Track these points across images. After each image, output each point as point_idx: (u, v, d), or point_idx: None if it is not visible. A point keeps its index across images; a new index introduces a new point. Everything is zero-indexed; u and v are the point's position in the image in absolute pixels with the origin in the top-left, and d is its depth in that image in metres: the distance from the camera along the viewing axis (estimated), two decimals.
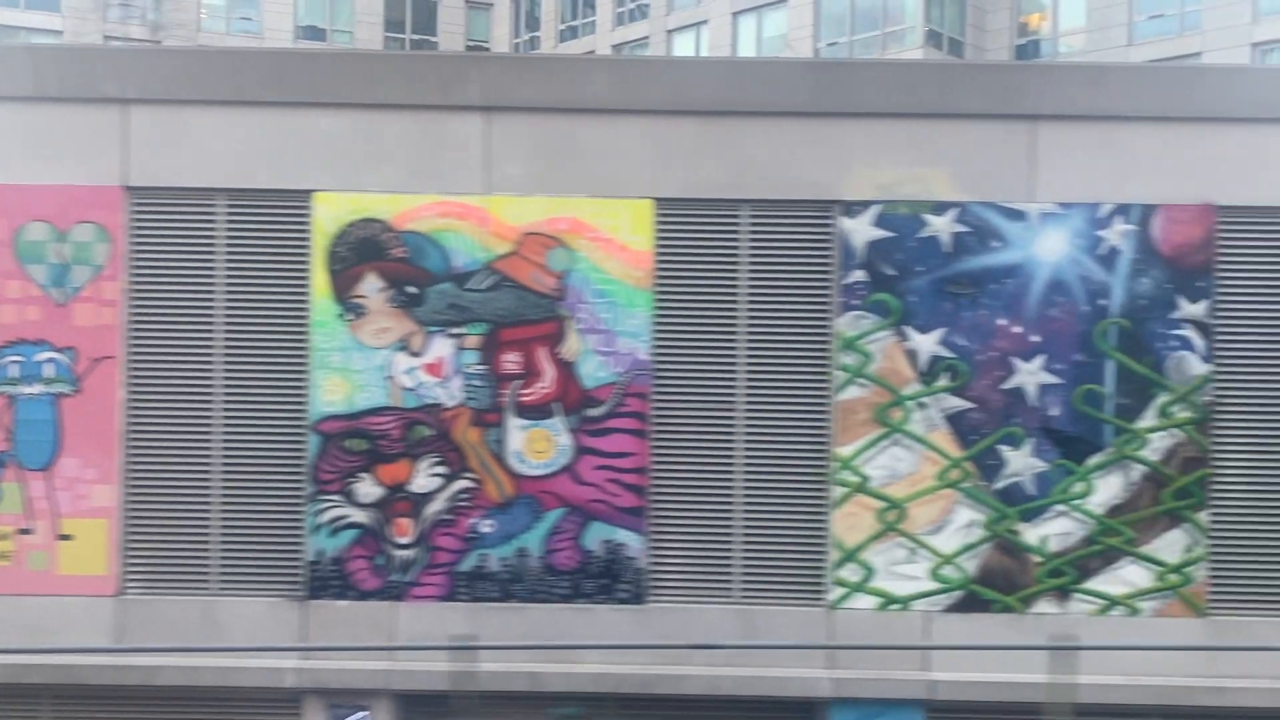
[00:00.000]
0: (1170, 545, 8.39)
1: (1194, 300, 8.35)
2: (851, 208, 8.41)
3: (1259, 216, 8.36)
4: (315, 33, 32.04)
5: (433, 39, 33.29)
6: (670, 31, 28.65)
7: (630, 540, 8.47)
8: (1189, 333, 8.35)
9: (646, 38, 29.18)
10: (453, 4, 33.73)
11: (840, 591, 8.47)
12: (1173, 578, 8.38)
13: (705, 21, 27.70)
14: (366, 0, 32.38)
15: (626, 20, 29.86)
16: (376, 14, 32.60)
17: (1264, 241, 8.38)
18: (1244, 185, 8.33)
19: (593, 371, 8.45)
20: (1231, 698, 8.26)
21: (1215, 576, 8.40)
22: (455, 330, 8.44)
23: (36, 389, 8.42)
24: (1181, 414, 8.37)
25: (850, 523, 8.46)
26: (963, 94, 8.40)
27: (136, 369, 8.48)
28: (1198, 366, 8.35)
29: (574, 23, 31.33)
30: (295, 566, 8.51)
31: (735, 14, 27.09)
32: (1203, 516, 8.37)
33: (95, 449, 8.45)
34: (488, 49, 33.25)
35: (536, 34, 32.61)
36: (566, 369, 8.45)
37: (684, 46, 28.16)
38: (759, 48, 26.70)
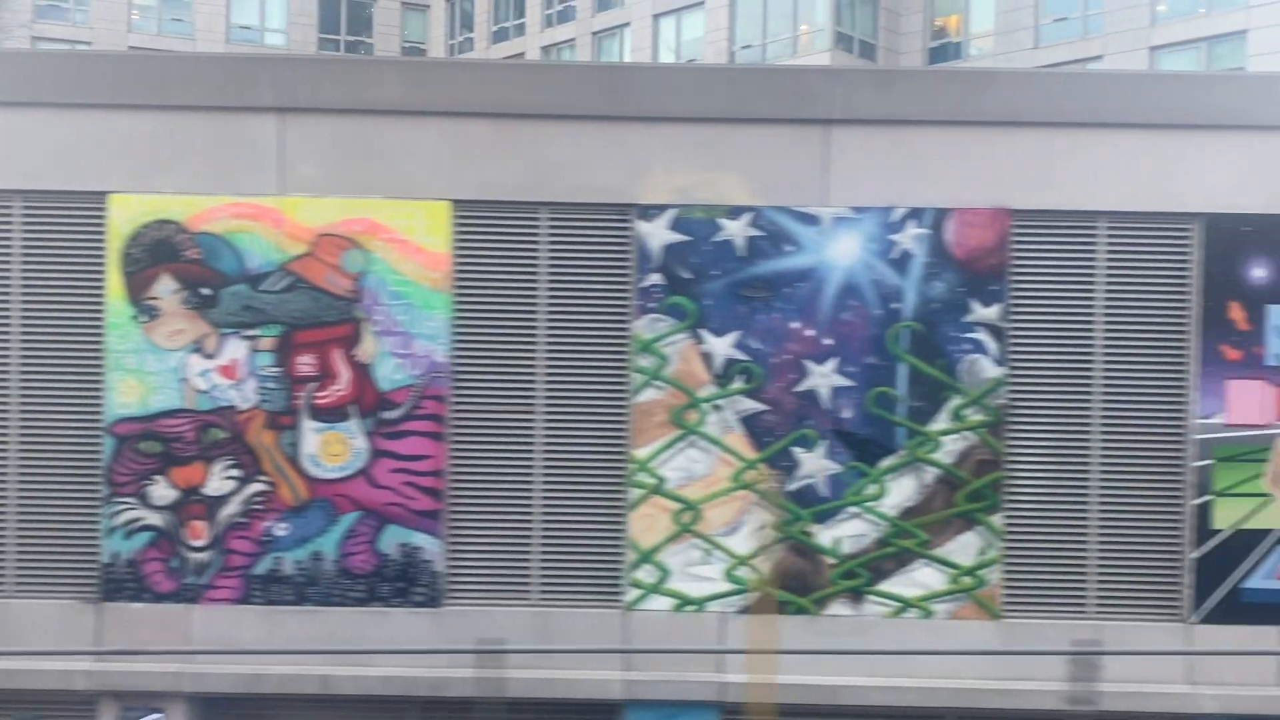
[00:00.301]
0: (964, 548, 8.44)
1: (987, 304, 8.39)
2: (648, 211, 8.43)
3: (1051, 220, 8.41)
4: (248, 33, 31.93)
5: (368, 40, 33.23)
6: (596, 34, 28.66)
7: (426, 544, 8.46)
8: (982, 336, 8.40)
9: (573, 40, 29.18)
10: (389, 5, 33.66)
11: (636, 593, 8.49)
12: (966, 580, 8.43)
13: (628, 24, 27.74)
14: (300, 1, 32.32)
15: (555, 22, 29.85)
16: (310, 15, 32.52)
17: (1056, 245, 8.43)
18: (1037, 189, 8.39)
19: (389, 374, 8.44)
20: (1020, 700, 8.32)
21: (1009, 579, 8.45)
22: (249, 332, 8.41)
23: None
24: (974, 417, 8.42)
25: (647, 524, 8.47)
26: (756, 98, 8.42)
27: None
28: (990, 369, 8.39)
29: (505, 24, 31.31)
30: (90, 569, 8.47)
31: (656, 16, 27.11)
32: (996, 519, 8.42)
33: None
34: (424, 51, 33.21)
35: (471, 35, 32.56)
36: (362, 371, 8.43)
37: (610, 49, 28.19)
38: (678, 50, 26.73)
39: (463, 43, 32.76)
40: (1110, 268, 8.42)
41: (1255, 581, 8.37)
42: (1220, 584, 8.37)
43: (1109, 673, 8.13)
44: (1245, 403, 8.35)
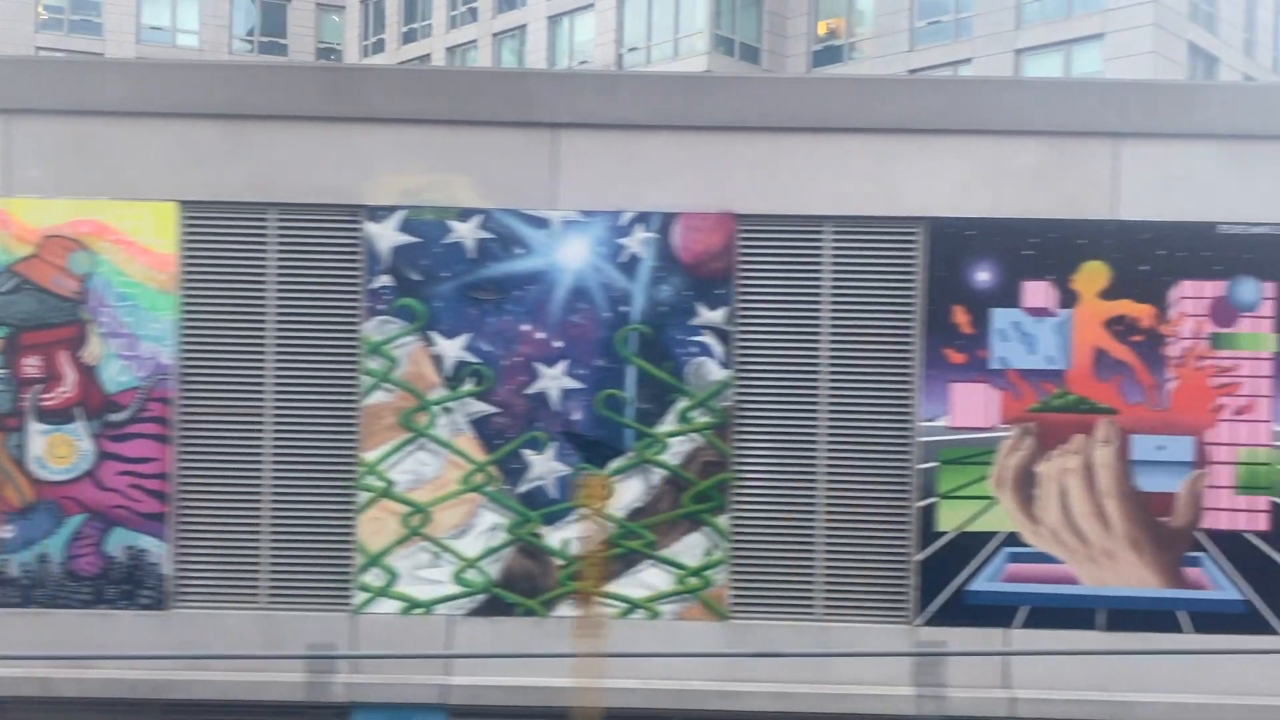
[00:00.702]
0: (691, 549, 8.47)
1: (713, 307, 8.43)
2: (377, 213, 8.43)
3: (777, 224, 8.46)
4: (160, 34, 31.78)
5: (282, 41, 33.12)
6: (496, 35, 28.71)
7: (153, 546, 8.43)
8: (708, 339, 8.43)
9: (475, 41, 29.22)
10: (303, 6, 33.57)
11: (364, 596, 8.48)
12: (693, 581, 8.47)
13: (525, 25, 27.79)
14: (214, 3, 32.20)
15: (459, 23, 29.88)
16: (223, 17, 32.40)
17: (782, 249, 8.48)
18: (762, 193, 8.43)
19: (115, 376, 8.40)
20: (741, 701, 8.35)
21: (736, 580, 8.49)
22: None
23: None
24: (701, 419, 8.45)
25: (375, 527, 8.46)
26: (483, 101, 8.44)
27: None
28: (717, 372, 8.43)
29: (414, 25, 31.31)
30: None
31: (550, 18, 27.18)
32: (723, 520, 8.46)
33: None
34: (339, 51, 33.16)
35: (382, 36, 32.56)
36: (88, 373, 8.39)
37: (510, 50, 28.25)
38: (570, 52, 26.80)
39: (375, 44, 32.73)
40: (836, 271, 8.48)
41: (979, 584, 8.43)
42: (945, 586, 8.43)
43: (834, 675, 8.25)
44: (969, 406, 8.41)
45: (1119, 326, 8.36)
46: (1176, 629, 8.35)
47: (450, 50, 29.68)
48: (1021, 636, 8.36)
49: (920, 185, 8.38)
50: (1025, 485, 8.39)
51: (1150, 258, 8.34)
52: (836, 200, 8.41)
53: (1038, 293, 8.38)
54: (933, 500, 8.41)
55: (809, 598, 8.50)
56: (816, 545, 8.49)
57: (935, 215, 8.38)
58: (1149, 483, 8.35)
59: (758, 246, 8.46)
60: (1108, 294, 8.36)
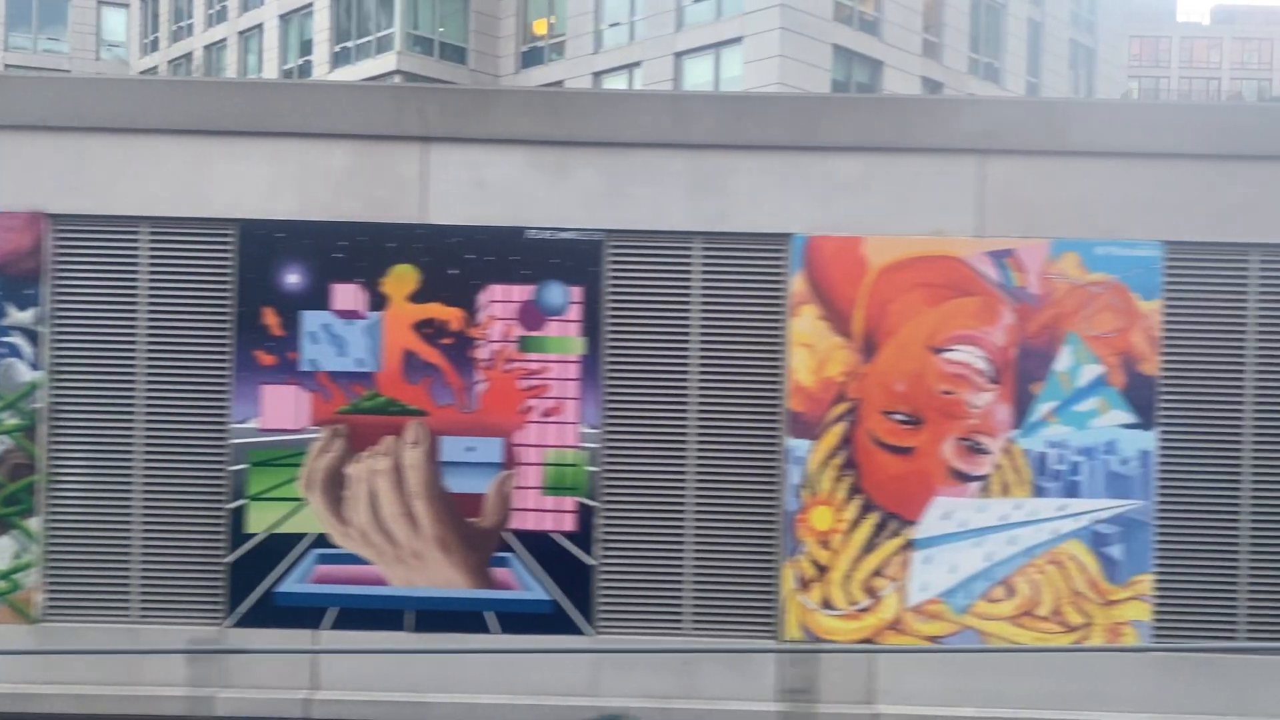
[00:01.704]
0: (0, 552, 8.41)
1: (23, 308, 8.38)
2: None
3: (92, 225, 8.43)
4: None
5: (60, 40, 32.71)
6: (242, 33, 28.65)
7: None
8: (18, 340, 8.38)
9: (225, 39, 29.16)
10: (83, 4, 33.17)
11: None
12: (1, 584, 8.40)
13: (261, 25, 27.77)
14: None
15: (214, 22, 29.78)
16: None
17: (98, 250, 8.44)
18: (72, 194, 8.39)
19: None
20: (44, 704, 8.29)
21: (49, 583, 8.43)
22: None
23: None
24: (10, 421, 8.39)
25: None
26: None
27: None
28: (27, 374, 8.38)
29: (181, 24, 31.10)
30: None
31: (281, 17, 27.17)
32: (34, 523, 8.40)
33: None
34: (120, 47, 32.83)
35: (158, 34, 32.30)
36: None
37: (253, 48, 28.20)
38: (299, 50, 26.78)
39: (153, 41, 32.43)
40: (153, 273, 8.45)
41: (288, 585, 8.44)
42: (254, 588, 8.43)
43: (146, 676, 8.21)
44: (279, 408, 8.43)
45: (429, 329, 8.42)
46: (485, 629, 8.42)
47: (207, 49, 29.52)
48: (330, 637, 8.39)
49: (230, 187, 8.38)
50: (335, 487, 8.42)
51: (459, 261, 8.41)
52: (149, 201, 8.39)
53: (347, 296, 8.42)
54: (243, 502, 8.41)
55: (125, 600, 8.48)
56: (133, 548, 8.46)
57: (245, 217, 8.39)
58: (458, 484, 8.42)
59: (71, 247, 8.42)
60: (417, 297, 8.42)
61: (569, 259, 8.42)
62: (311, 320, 8.41)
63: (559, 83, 25.40)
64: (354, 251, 8.40)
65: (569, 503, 8.44)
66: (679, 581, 8.47)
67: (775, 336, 8.43)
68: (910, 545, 8.40)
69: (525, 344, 8.42)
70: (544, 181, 8.40)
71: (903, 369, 8.38)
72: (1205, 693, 8.33)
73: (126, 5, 33.01)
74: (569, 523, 8.45)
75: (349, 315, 8.40)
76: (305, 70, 26.58)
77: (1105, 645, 8.35)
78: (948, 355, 8.38)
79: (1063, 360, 8.36)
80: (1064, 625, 8.37)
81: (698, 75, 22.08)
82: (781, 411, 8.42)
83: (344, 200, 8.39)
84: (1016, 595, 8.38)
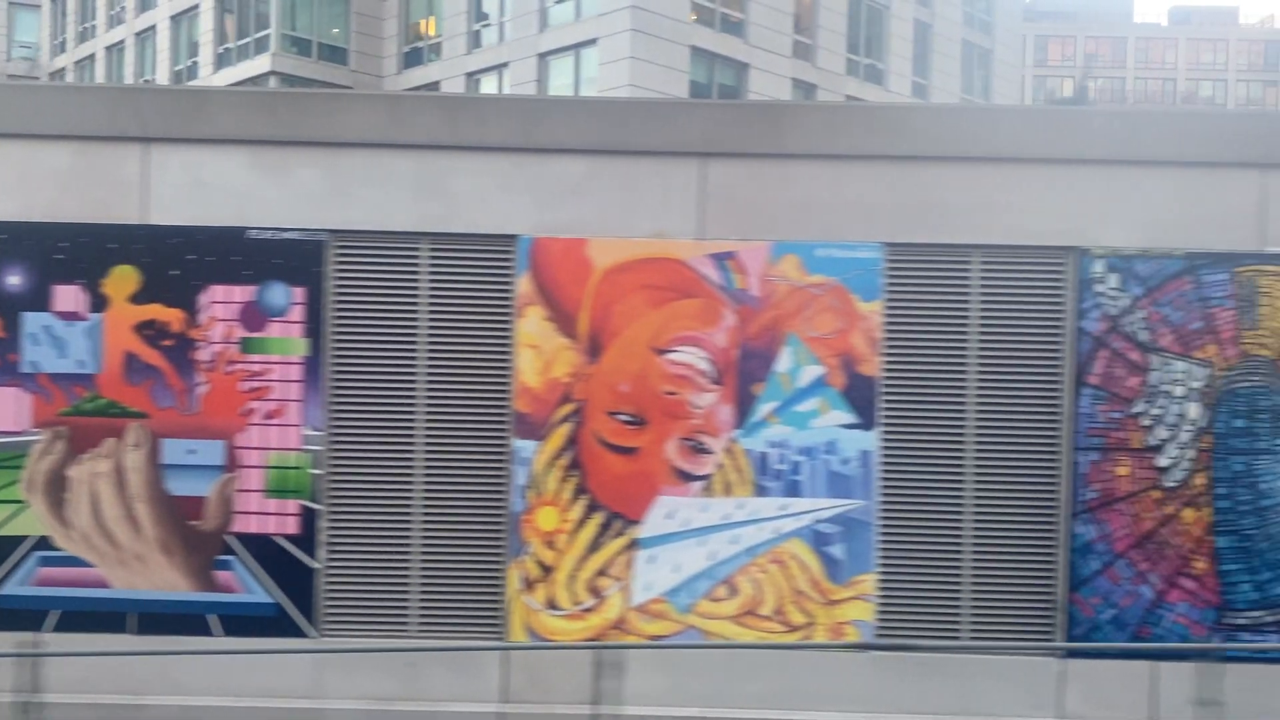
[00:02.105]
0: None
1: None
2: None
3: None
4: None
5: None
6: (138, 34, 28.62)
7: None
8: None
9: (123, 41, 29.12)
10: None
11: None
12: None
13: (154, 26, 27.70)
14: None
15: (114, 23, 29.75)
16: None
17: None
18: None
19: None
20: None
21: None
22: None
23: None
24: None
25: None
26: None
27: None
28: None
29: (87, 25, 30.99)
30: None
31: (172, 18, 27.12)
32: None
33: None
34: (32, 48, 32.67)
35: (65, 36, 32.19)
36: None
37: (148, 49, 28.16)
38: (179, 55, 26.76)
39: (61, 43, 32.30)
40: None
41: (10, 588, 8.40)
42: None
43: None
44: (1, 410, 8.38)
45: (150, 331, 8.39)
46: (208, 632, 8.40)
47: (109, 50, 29.43)
48: (53, 640, 8.35)
49: None
50: (56, 489, 8.38)
51: (180, 262, 8.39)
52: None
53: (68, 297, 8.38)
54: None
55: None
56: None
57: None
58: (180, 487, 8.39)
59: None
60: (138, 298, 8.38)
61: (292, 259, 8.41)
62: (32, 322, 8.37)
63: (436, 84, 25.39)
64: (75, 253, 8.36)
65: (292, 505, 8.43)
66: (405, 583, 8.47)
67: (502, 338, 8.44)
68: (634, 545, 8.43)
69: (247, 345, 8.40)
70: (266, 182, 8.38)
71: (627, 370, 8.41)
72: (927, 691, 8.38)
73: (38, 6, 32.83)
74: (292, 525, 8.43)
75: (70, 317, 8.37)
76: (192, 72, 26.51)
77: (829, 643, 8.40)
78: (671, 356, 8.41)
79: (783, 361, 8.41)
80: (786, 624, 8.42)
81: (561, 76, 22.12)
82: (508, 412, 8.43)
83: (65, 201, 8.35)
84: (739, 594, 8.42)
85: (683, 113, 8.66)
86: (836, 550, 8.42)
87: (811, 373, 8.40)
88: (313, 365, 8.40)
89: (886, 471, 8.42)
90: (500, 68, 22.87)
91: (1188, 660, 8.27)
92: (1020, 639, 8.43)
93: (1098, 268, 8.36)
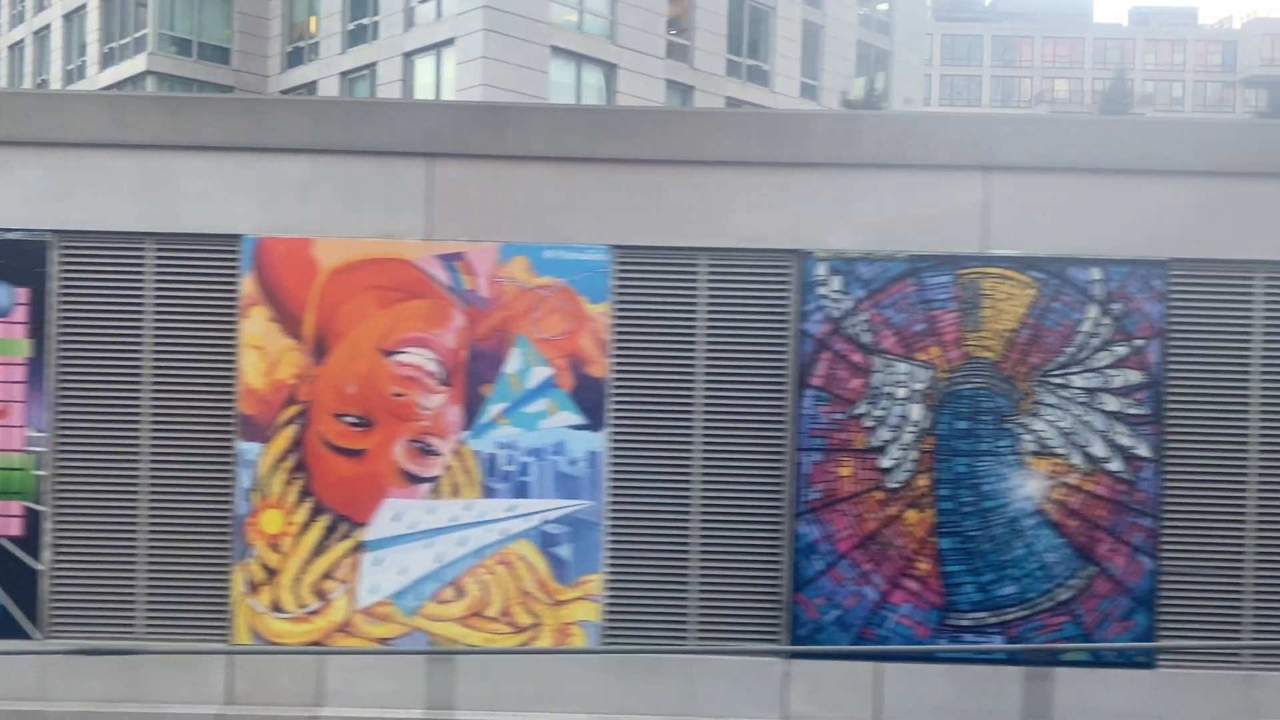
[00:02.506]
0: None
1: None
2: None
3: None
4: None
5: None
6: (36, 33, 28.41)
7: None
8: None
9: (23, 40, 28.92)
10: None
11: None
12: None
13: (49, 25, 27.53)
14: None
15: (16, 22, 29.53)
16: None
17: None
18: None
19: None
20: None
21: None
22: None
23: None
24: None
25: None
26: None
27: None
28: None
29: None
30: None
31: (64, 16, 26.94)
32: None
33: None
34: None
35: None
36: None
37: (45, 47, 27.96)
38: (71, 54, 26.61)
39: None
40: None
41: None
42: None
43: None
44: None
45: None
46: None
47: (11, 49, 29.22)
48: None
49: None
50: None
51: None
52: None
53: None
54: None
55: None
56: None
57: None
58: None
59: None
60: None
61: (14, 260, 8.35)
62: None
63: (313, 84, 25.34)
64: None
65: (15, 507, 8.37)
66: (132, 586, 8.43)
67: (226, 339, 8.41)
68: (361, 547, 8.41)
69: None
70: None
71: (354, 371, 8.39)
72: (654, 692, 8.40)
73: None
74: (15, 527, 8.38)
75: None
76: (81, 71, 26.27)
77: (557, 648, 8.41)
78: (398, 358, 8.40)
79: (512, 363, 8.41)
80: (513, 626, 8.42)
81: (425, 76, 22.05)
82: (233, 414, 8.40)
83: None
84: (466, 596, 8.41)
85: (407, 113, 8.65)
86: (564, 551, 8.43)
87: (540, 374, 8.40)
88: (37, 366, 8.35)
89: (615, 472, 8.43)
90: (370, 67, 22.77)
91: (911, 662, 8.35)
92: (747, 639, 8.46)
93: (821, 270, 8.39)
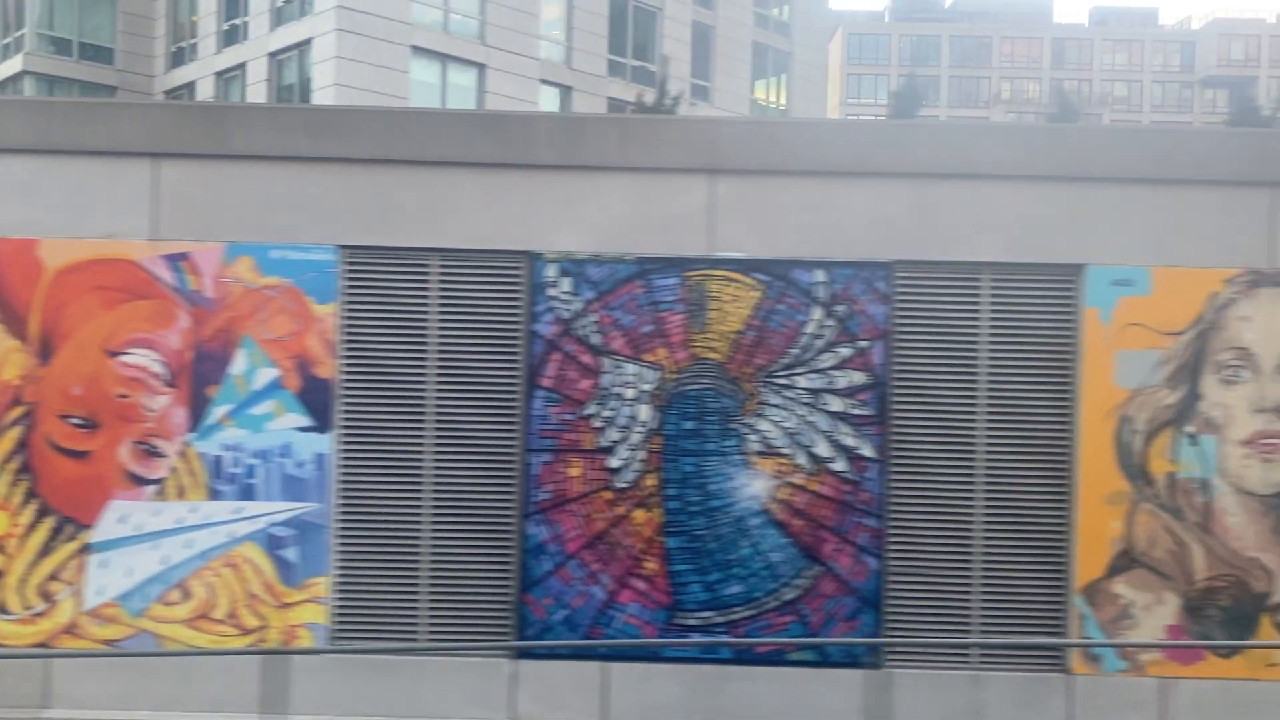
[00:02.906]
0: None
1: None
2: None
3: None
4: None
5: None
6: None
7: None
8: None
9: None
10: None
11: None
12: None
13: None
14: None
15: None
16: None
17: None
18: None
19: None
20: None
21: None
22: None
23: None
24: None
25: None
26: None
27: None
28: None
29: None
30: None
31: None
32: None
33: None
34: None
35: None
36: None
37: None
38: None
39: None
40: None
41: None
42: None
43: None
44: None
45: None
46: None
47: None
48: None
49: None
50: None
51: None
52: None
53: None
54: None
55: None
56: None
57: None
58: None
59: None
60: None
61: None
62: None
63: (191, 84, 25.25)
64: None
65: None
66: None
67: None
68: (87, 549, 8.37)
69: None
70: None
71: (79, 372, 8.35)
72: (384, 694, 8.39)
73: None
74: None
75: None
76: None
77: (284, 648, 8.39)
78: (123, 359, 8.36)
79: (238, 364, 8.38)
80: (240, 628, 8.39)
81: (291, 76, 21.98)
82: None
83: None
84: (193, 598, 8.38)
85: (131, 114, 8.62)
86: (290, 553, 8.41)
87: (266, 375, 8.38)
88: None
89: (344, 474, 8.42)
90: (241, 67, 22.68)
91: (638, 661, 8.38)
92: (477, 641, 8.46)
93: (551, 272, 8.41)
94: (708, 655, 8.42)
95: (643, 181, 8.40)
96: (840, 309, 8.39)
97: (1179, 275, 8.30)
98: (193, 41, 24.14)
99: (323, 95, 20.73)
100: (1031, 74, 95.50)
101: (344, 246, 8.41)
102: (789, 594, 8.41)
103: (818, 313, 8.39)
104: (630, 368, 8.41)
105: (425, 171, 8.39)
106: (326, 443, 8.39)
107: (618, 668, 8.40)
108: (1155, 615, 8.35)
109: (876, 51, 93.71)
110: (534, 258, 8.41)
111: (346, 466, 8.42)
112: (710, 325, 8.40)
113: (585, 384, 8.41)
